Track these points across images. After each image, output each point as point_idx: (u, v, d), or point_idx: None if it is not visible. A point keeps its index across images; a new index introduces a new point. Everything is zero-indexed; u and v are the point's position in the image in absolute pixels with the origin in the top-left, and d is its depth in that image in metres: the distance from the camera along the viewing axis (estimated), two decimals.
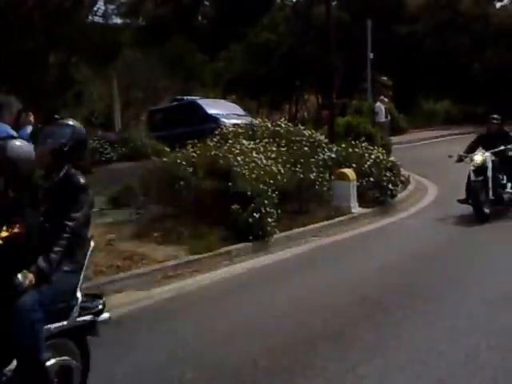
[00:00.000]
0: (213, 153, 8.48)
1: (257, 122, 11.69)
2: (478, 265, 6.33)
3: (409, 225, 8.90)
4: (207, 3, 35.25)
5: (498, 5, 31.51)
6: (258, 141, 9.73)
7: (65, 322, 3.18)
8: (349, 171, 9.46)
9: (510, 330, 4.37)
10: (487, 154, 8.79)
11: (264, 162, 8.40)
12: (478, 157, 8.73)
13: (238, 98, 29.01)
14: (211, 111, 15.80)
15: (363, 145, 10.68)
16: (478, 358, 3.86)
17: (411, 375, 3.69)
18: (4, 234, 3.08)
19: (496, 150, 8.85)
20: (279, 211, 7.95)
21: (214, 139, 9.91)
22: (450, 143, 21.02)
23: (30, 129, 5.51)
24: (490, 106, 26.79)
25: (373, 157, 10.21)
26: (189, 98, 18.50)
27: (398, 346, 4.13)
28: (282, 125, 10.89)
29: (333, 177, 9.39)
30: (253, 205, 7.43)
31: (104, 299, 3.46)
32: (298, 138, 10.38)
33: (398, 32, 28.58)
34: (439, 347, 4.06)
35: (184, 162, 8.25)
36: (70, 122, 3.42)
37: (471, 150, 9.19)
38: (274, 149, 9.38)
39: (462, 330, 4.38)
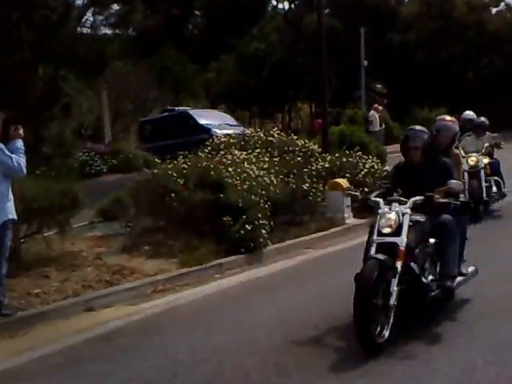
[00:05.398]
0: (204, 164, 8.37)
1: (249, 131, 11.62)
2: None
3: None
4: (198, 13, 35.25)
5: (494, 10, 30.86)
6: (250, 151, 9.65)
7: None
8: (343, 181, 9.33)
9: (506, 345, 4.29)
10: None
11: (256, 172, 8.30)
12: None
13: (228, 108, 28.95)
14: (203, 121, 15.71)
15: (357, 154, 10.60)
16: (474, 374, 3.80)
17: None
18: None
19: None
20: (271, 223, 7.86)
21: (206, 150, 9.81)
22: None
23: (19, 142, 5.33)
24: (485, 114, 26.78)
25: (367, 166, 10.13)
26: (180, 108, 18.41)
27: (392, 361, 4.04)
28: (275, 135, 10.81)
29: (326, 187, 9.29)
30: (244, 217, 7.32)
31: None
32: (290, 148, 10.31)
33: (391, 40, 28.54)
34: (435, 363, 3.97)
35: (175, 174, 8.13)
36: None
37: None
38: (267, 159, 9.32)
39: (458, 346, 4.30)
